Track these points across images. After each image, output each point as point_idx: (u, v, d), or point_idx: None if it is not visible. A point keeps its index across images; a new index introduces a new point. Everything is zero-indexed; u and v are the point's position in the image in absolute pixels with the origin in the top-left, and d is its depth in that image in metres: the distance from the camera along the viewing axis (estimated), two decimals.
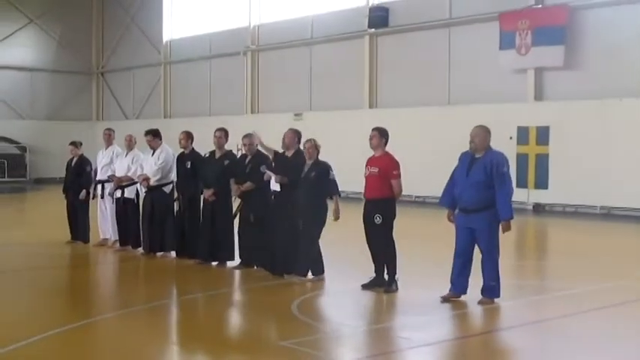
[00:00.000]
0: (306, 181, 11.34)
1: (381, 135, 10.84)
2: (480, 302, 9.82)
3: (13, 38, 42.33)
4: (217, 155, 12.90)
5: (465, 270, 10.00)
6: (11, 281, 11.96)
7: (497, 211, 9.74)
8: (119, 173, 14.48)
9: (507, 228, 9.81)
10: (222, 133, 12.93)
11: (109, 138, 15.34)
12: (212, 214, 12.74)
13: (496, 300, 9.86)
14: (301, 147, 11.76)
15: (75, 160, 15.74)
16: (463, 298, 9.97)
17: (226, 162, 12.71)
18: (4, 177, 40.82)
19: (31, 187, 38.19)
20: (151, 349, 7.91)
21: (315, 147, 11.52)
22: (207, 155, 13.07)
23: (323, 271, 11.49)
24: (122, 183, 14.34)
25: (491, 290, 9.88)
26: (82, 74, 45.16)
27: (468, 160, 10.03)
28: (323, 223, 11.36)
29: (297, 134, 11.94)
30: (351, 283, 10.99)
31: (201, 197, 13.01)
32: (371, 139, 10.87)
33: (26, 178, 41.33)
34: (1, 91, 41.88)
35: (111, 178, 14.66)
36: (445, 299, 9.99)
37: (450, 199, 10.18)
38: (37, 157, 40.76)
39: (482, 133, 9.93)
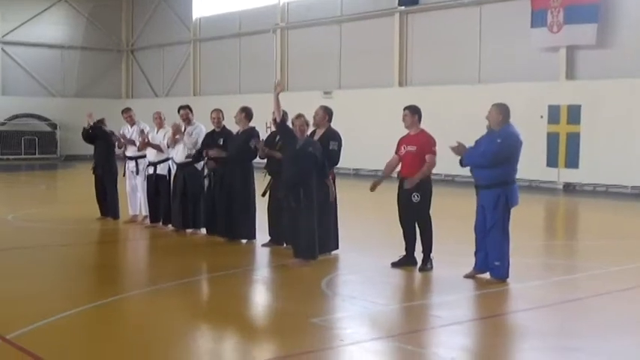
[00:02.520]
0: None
1: (412, 113, 10.78)
2: (487, 281, 9.82)
3: (43, 16, 42.51)
4: (240, 132, 12.98)
5: (483, 246, 9.98)
6: (43, 257, 12.04)
7: (506, 189, 9.75)
8: (151, 151, 14.52)
9: (456, 149, 9.88)
10: (242, 115, 12.97)
11: (130, 119, 15.36)
12: (233, 191, 12.79)
13: (508, 280, 9.84)
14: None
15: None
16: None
17: (252, 143, 12.71)
18: (35, 154, 41.16)
19: (62, 164, 38.46)
20: (180, 326, 7.92)
21: (306, 124, 11.38)
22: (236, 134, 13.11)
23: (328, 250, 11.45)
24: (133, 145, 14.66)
25: (495, 270, 9.86)
26: (112, 52, 45.30)
27: (486, 136, 10.03)
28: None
29: (328, 112, 11.88)
30: (381, 262, 10.98)
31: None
32: (404, 118, 10.81)
33: (57, 155, 41.64)
34: (32, 69, 42.13)
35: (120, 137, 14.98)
36: (468, 276, 10.01)
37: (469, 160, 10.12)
38: (67, 134, 40.98)
39: (493, 111, 9.96)
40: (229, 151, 12.84)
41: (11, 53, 41.59)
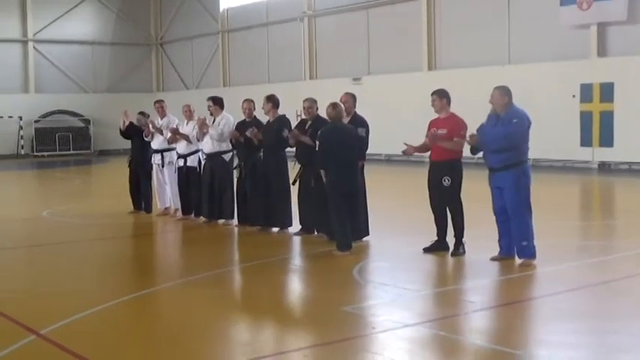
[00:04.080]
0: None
1: (440, 97, 10.70)
2: (519, 265, 9.73)
3: (73, 13, 42.77)
4: (271, 121, 12.99)
5: (507, 230, 9.91)
6: (77, 253, 12.14)
7: (525, 168, 9.72)
8: (181, 143, 14.56)
9: (470, 138, 9.91)
10: (269, 104, 12.96)
11: (161, 109, 15.42)
12: (267, 179, 12.79)
13: (537, 261, 9.74)
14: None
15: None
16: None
17: (276, 126, 12.75)
18: (70, 150, 41.48)
19: (96, 159, 38.74)
20: (214, 316, 7.97)
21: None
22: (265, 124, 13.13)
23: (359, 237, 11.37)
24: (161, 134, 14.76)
25: (523, 250, 9.78)
26: (142, 46, 45.51)
27: (493, 121, 9.94)
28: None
29: (354, 98, 11.84)
30: (412, 247, 10.93)
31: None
32: (433, 103, 10.74)
33: (91, 150, 41.94)
34: (64, 66, 42.44)
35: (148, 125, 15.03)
36: (495, 259, 9.99)
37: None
38: (100, 130, 41.28)
39: (496, 94, 9.85)
40: (264, 140, 12.84)
41: (43, 51, 41.90)
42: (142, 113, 15.91)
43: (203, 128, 13.75)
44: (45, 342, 7.00)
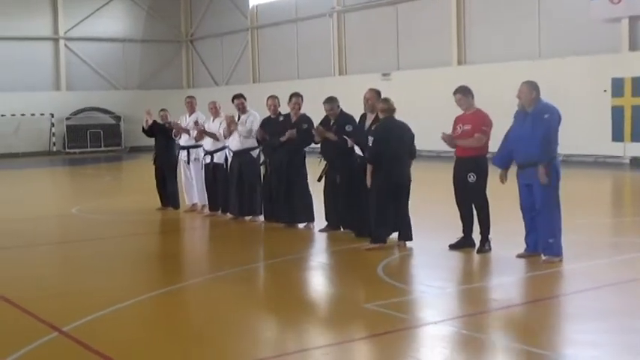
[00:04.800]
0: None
1: (465, 94, 10.58)
2: (543, 262, 9.62)
3: (104, 10, 43.05)
4: (293, 119, 12.94)
5: (533, 227, 9.79)
6: (104, 249, 12.19)
7: (554, 164, 9.56)
8: (207, 140, 14.58)
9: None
10: (299, 99, 12.98)
11: (191, 105, 15.46)
12: (288, 176, 12.81)
13: (563, 258, 9.62)
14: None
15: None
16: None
17: (305, 126, 12.72)
18: (101, 146, 41.78)
19: (127, 156, 38.97)
20: (239, 313, 7.95)
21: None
22: (281, 118, 13.17)
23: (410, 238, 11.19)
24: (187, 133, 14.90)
25: (549, 248, 9.65)
26: (172, 43, 45.70)
27: (521, 117, 9.82)
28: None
29: (379, 94, 11.76)
30: (438, 244, 10.86)
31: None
32: (458, 102, 10.62)
33: (121, 147, 42.20)
34: (95, 63, 42.73)
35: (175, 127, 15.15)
36: (521, 256, 9.88)
37: (502, 160, 10.08)
38: (131, 126, 41.44)
39: (524, 89, 9.72)
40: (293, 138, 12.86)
41: (74, 49, 42.22)
42: (163, 110, 15.98)
43: (231, 126, 13.75)
44: (67, 339, 7.02)
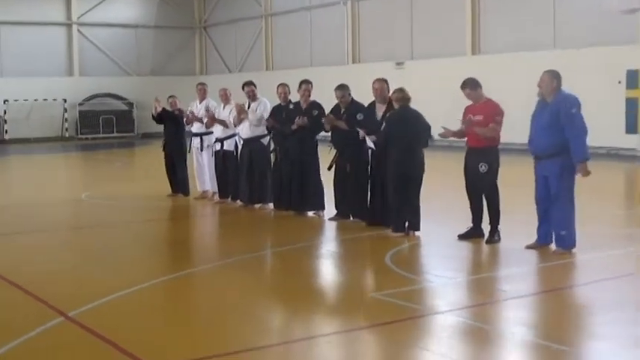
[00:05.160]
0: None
1: (473, 88, 10.49)
2: (553, 253, 9.56)
3: None
4: (304, 106, 12.88)
5: (546, 219, 9.72)
6: (112, 235, 12.20)
7: (572, 156, 9.43)
8: (217, 127, 14.55)
9: (585, 172, 9.44)
10: (309, 86, 12.92)
11: (203, 92, 15.41)
12: (300, 164, 12.77)
13: (574, 250, 9.56)
14: None
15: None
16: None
17: (315, 112, 12.66)
18: (113, 132, 41.79)
19: (139, 142, 38.99)
20: (247, 300, 7.93)
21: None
22: (291, 106, 13.11)
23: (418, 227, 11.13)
24: (199, 121, 14.84)
25: (561, 240, 9.58)
26: (186, 29, 45.63)
27: (540, 107, 9.75)
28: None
29: (387, 84, 11.69)
30: (447, 234, 10.81)
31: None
32: (468, 96, 10.54)
33: (134, 133, 42.21)
34: (107, 49, 42.70)
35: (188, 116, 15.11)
36: (530, 247, 9.82)
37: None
38: (143, 113, 41.33)
39: (546, 78, 9.61)
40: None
41: (87, 34, 42.21)
42: (172, 96, 16.00)
43: (242, 114, 13.71)
44: (72, 324, 7.00)
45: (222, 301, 7.98)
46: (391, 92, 11.31)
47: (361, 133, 11.68)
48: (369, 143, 11.56)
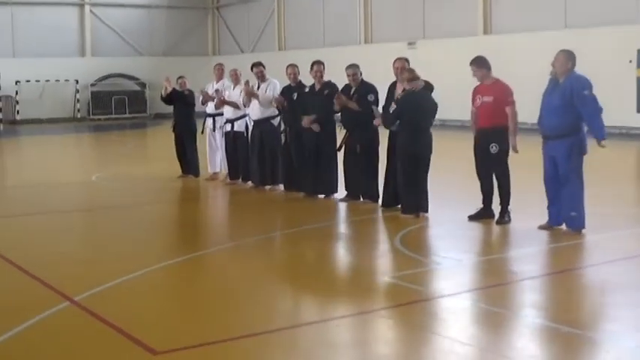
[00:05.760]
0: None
1: (479, 66, 10.45)
2: (563, 234, 9.53)
3: None
4: (317, 87, 12.79)
5: (556, 199, 9.67)
6: (121, 217, 12.22)
7: (593, 135, 9.44)
8: (228, 108, 14.53)
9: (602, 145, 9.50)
10: (321, 66, 12.82)
11: (221, 72, 15.35)
12: (316, 146, 12.64)
13: (584, 231, 9.52)
14: None
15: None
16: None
17: (326, 92, 12.58)
18: (126, 113, 41.77)
19: (151, 123, 38.95)
20: (258, 282, 7.93)
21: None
22: (307, 89, 13.03)
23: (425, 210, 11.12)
24: (212, 101, 14.76)
25: (571, 221, 9.55)
26: (198, 9, 45.50)
27: (551, 86, 9.68)
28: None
29: (408, 63, 11.62)
30: (457, 215, 10.77)
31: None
32: (474, 74, 10.52)
33: (146, 114, 42.18)
34: (120, 29, 42.62)
35: (203, 95, 15.02)
36: (543, 227, 9.78)
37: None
38: (156, 93, 41.03)
39: (561, 58, 9.54)
40: (310, 107, 12.70)
41: (99, 15, 42.12)
42: (181, 77, 15.99)
43: (251, 96, 13.67)
44: (78, 309, 6.98)
45: (232, 284, 7.97)
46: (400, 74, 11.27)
47: (375, 112, 11.66)
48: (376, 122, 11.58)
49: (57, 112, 40.34)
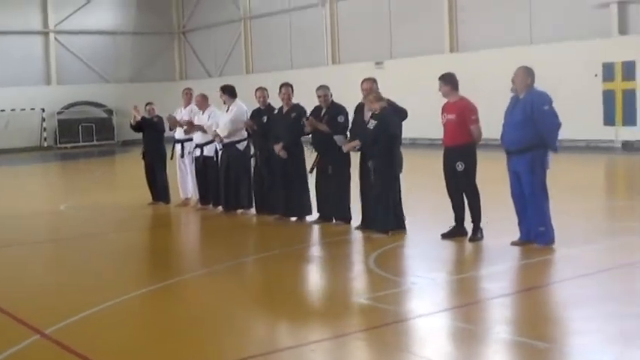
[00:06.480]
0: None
1: (446, 82, 10.54)
2: (535, 249, 9.55)
3: (94, 3, 42.70)
4: (285, 110, 12.78)
5: (525, 215, 9.72)
6: (93, 247, 12.07)
7: (541, 152, 9.51)
8: (197, 133, 14.47)
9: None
10: (289, 89, 12.81)
11: (189, 97, 15.29)
12: (286, 169, 12.61)
13: (554, 245, 9.57)
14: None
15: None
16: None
17: (293, 115, 12.58)
18: (93, 141, 41.52)
19: (120, 150, 38.78)
20: (230, 309, 7.86)
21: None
22: (275, 111, 13.00)
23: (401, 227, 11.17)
24: (181, 127, 14.69)
25: (540, 236, 9.59)
26: (164, 35, 45.45)
27: (512, 102, 9.78)
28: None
29: (376, 83, 11.63)
30: (430, 234, 10.78)
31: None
32: (439, 89, 10.59)
33: (114, 141, 41.97)
34: (85, 56, 42.47)
35: (169, 120, 14.95)
36: (515, 244, 9.81)
37: None
38: (123, 120, 40.94)
39: (520, 74, 9.64)
40: (278, 129, 12.68)
41: (64, 42, 41.96)
42: (149, 104, 15.87)
43: (217, 140, 13.78)
44: (49, 342, 6.85)
45: (205, 311, 7.87)
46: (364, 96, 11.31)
47: (338, 141, 11.67)
48: (339, 143, 11.57)
49: (23, 142, 39.94)
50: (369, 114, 11.14)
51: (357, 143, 11.15)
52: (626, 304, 7.38)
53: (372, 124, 10.85)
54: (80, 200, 17.70)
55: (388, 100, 11.13)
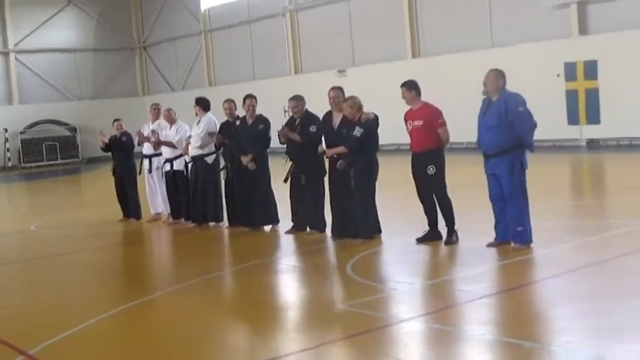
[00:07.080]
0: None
1: (409, 89, 10.62)
2: (512, 249, 9.64)
3: (53, 21, 42.54)
4: (250, 121, 12.81)
5: (503, 216, 9.80)
6: (65, 265, 11.98)
7: (519, 153, 9.60)
8: (165, 148, 14.46)
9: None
10: (253, 100, 12.85)
11: (157, 112, 15.23)
12: (251, 179, 12.66)
13: (532, 245, 9.68)
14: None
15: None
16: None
17: (261, 127, 12.61)
18: (57, 159, 41.24)
19: (85, 167, 38.54)
20: (210, 322, 7.83)
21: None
22: (238, 123, 13.04)
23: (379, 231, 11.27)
24: (149, 142, 14.73)
25: (519, 236, 9.68)
26: (125, 50, 45.30)
27: (485, 106, 9.86)
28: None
29: (343, 92, 11.69)
30: (405, 239, 10.83)
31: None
32: (402, 96, 10.68)
33: (79, 159, 41.70)
34: (46, 75, 42.21)
35: (138, 136, 14.95)
36: (491, 245, 9.89)
37: None
38: (87, 137, 40.95)
39: (492, 77, 9.72)
40: (242, 141, 12.71)
41: (25, 61, 41.69)
42: (117, 120, 15.82)
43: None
44: None
45: (185, 327, 7.78)
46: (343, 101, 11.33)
47: (320, 147, 11.70)
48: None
49: None
50: (339, 120, 11.21)
51: (341, 149, 11.13)
52: (602, 301, 7.44)
53: (358, 131, 10.85)
54: (50, 219, 17.54)
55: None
